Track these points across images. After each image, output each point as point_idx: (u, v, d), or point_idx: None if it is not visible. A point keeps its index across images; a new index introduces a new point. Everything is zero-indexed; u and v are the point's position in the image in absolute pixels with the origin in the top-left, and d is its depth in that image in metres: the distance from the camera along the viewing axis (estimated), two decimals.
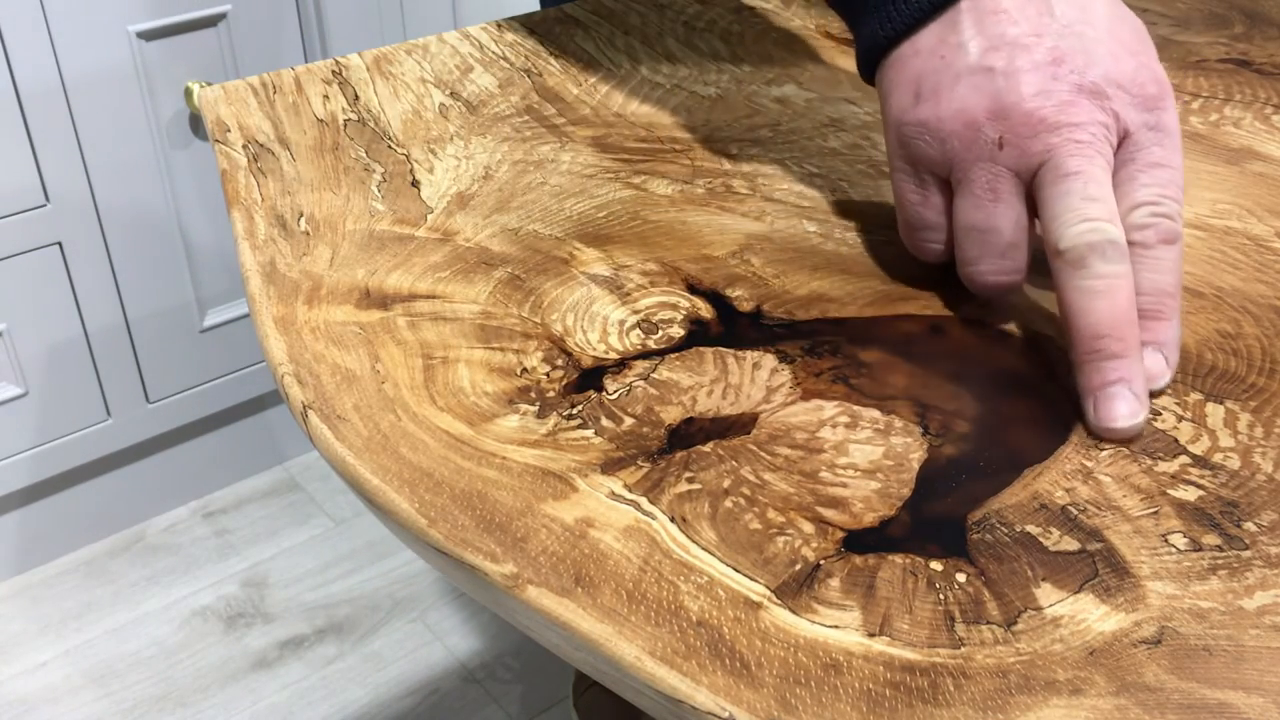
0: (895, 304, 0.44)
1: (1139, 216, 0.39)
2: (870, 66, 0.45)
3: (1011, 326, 0.43)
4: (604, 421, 0.38)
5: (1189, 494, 0.35)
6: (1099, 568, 0.33)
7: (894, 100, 0.43)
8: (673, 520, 0.34)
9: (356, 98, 0.60)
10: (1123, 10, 0.42)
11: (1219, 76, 0.63)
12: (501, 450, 0.37)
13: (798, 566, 0.33)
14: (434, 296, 0.45)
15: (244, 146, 0.55)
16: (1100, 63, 0.40)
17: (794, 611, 0.31)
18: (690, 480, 0.36)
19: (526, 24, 0.69)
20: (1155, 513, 0.35)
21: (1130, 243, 0.39)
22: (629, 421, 0.38)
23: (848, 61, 0.66)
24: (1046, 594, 0.32)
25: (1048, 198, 0.40)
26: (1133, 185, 0.40)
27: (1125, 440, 0.37)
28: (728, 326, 0.43)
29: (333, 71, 0.62)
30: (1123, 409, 0.37)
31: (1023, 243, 0.41)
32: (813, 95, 0.61)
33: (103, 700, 1.31)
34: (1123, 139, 0.40)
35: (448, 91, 0.61)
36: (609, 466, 0.36)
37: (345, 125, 0.57)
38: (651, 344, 0.42)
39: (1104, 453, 0.37)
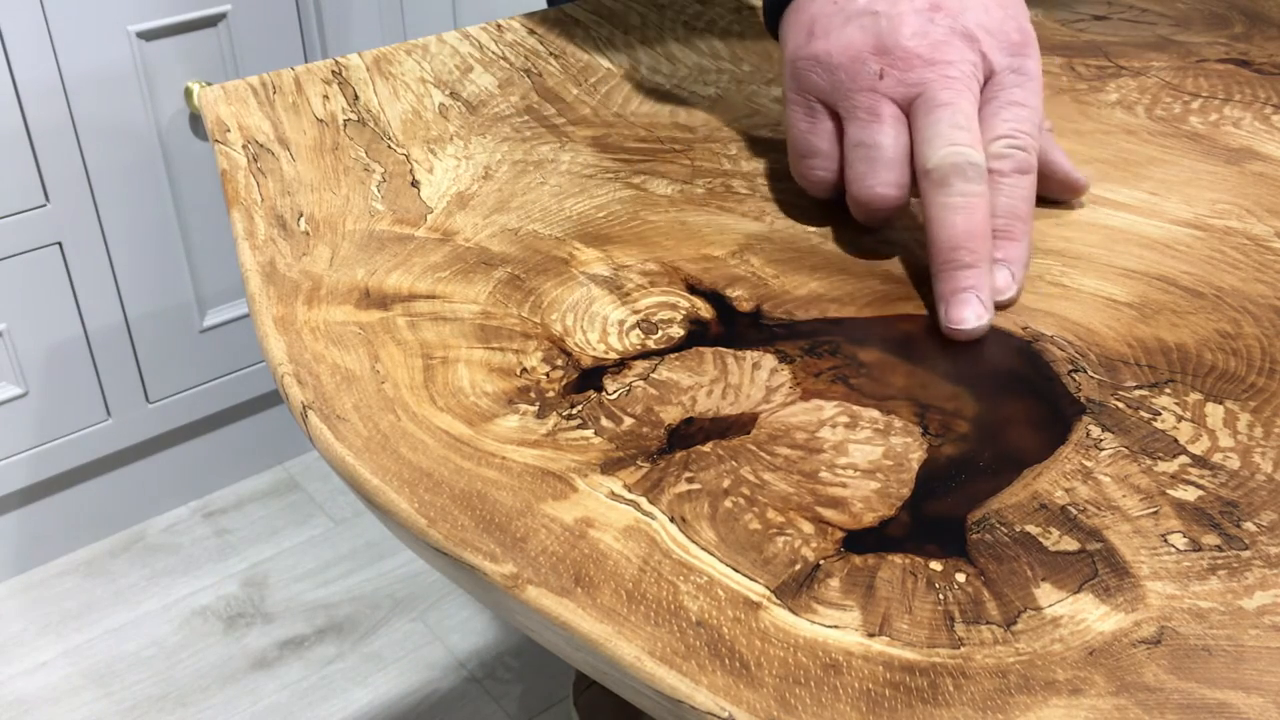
0: (895, 304, 0.44)
1: (998, 148, 0.45)
2: (774, 20, 0.51)
3: (1011, 326, 0.43)
4: (604, 421, 0.38)
5: (1189, 494, 0.35)
6: (1099, 568, 0.33)
7: (790, 40, 0.49)
8: (672, 520, 0.34)
9: (356, 98, 0.60)
10: None
11: (1219, 76, 0.63)
12: (501, 450, 0.37)
13: (797, 566, 0.33)
14: (434, 296, 0.45)
15: (244, 146, 0.55)
16: (972, 12, 0.46)
17: (793, 611, 0.31)
18: (690, 480, 0.36)
19: (526, 24, 0.69)
20: (1155, 513, 0.35)
21: (989, 170, 0.44)
22: (629, 421, 0.38)
23: None
24: (1046, 594, 0.32)
25: (920, 125, 0.44)
26: (994, 120, 0.45)
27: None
28: (727, 326, 0.43)
29: (333, 71, 0.62)
30: (969, 313, 0.41)
31: (903, 160, 0.45)
32: None
33: (103, 700, 1.31)
34: (988, 78, 0.46)
35: (448, 91, 0.61)
36: (609, 466, 0.36)
37: (345, 125, 0.57)
38: (651, 344, 0.42)
39: (1104, 453, 0.37)
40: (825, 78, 0.47)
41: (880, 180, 0.45)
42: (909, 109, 0.45)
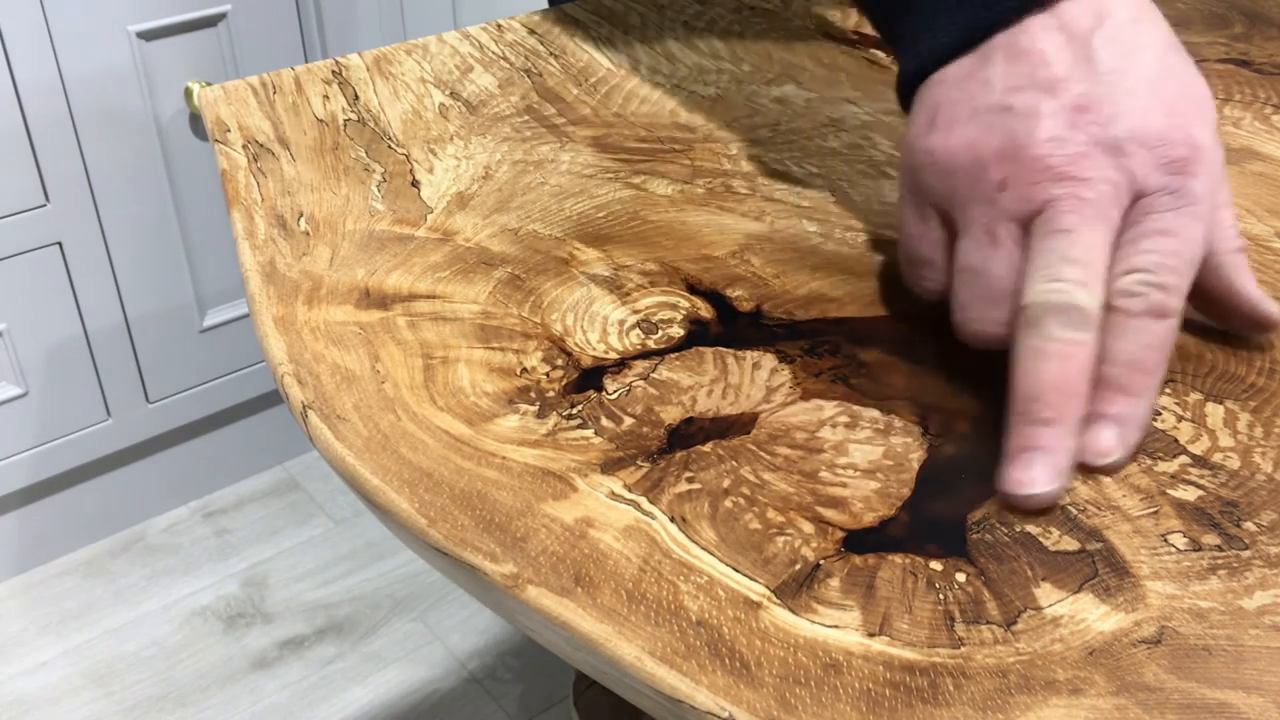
0: (895, 304, 0.44)
1: (1129, 283, 0.37)
2: (907, 94, 0.44)
3: None
4: (604, 421, 0.38)
5: (1189, 494, 0.35)
6: (1099, 567, 0.33)
7: (912, 123, 0.42)
8: (672, 520, 0.34)
9: (356, 98, 0.60)
10: (1177, 65, 0.39)
11: (1219, 76, 0.63)
12: (501, 450, 0.37)
13: (797, 566, 0.33)
14: (434, 296, 0.45)
15: (244, 146, 0.55)
16: (1128, 117, 0.38)
17: (794, 611, 0.31)
18: (690, 480, 0.36)
19: (526, 24, 0.69)
20: (1155, 512, 0.35)
21: (1115, 308, 0.37)
22: (629, 421, 0.38)
23: (848, 61, 0.66)
24: (1046, 594, 0.32)
25: (1033, 251, 0.38)
26: (1130, 250, 0.37)
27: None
28: (727, 326, 0.43)
29: (333, 71, 0.62)
30: (1030, 476, 0.35)
31: (1016, 294, 0.38)
32: (813, 95, 0.61)
33: (103, 700, 1.31)
34: (1137, 199, 0.38)
35: (448, 91, 0.61)
36: (609, 466, 0.36)
37: (345, 125, 0.57)
38: (651, 344, 0.42)
39: None
40: (940, 179, 0.40)
41: (986, 316, 0.39)
42: (1030, 229, 0.38)
